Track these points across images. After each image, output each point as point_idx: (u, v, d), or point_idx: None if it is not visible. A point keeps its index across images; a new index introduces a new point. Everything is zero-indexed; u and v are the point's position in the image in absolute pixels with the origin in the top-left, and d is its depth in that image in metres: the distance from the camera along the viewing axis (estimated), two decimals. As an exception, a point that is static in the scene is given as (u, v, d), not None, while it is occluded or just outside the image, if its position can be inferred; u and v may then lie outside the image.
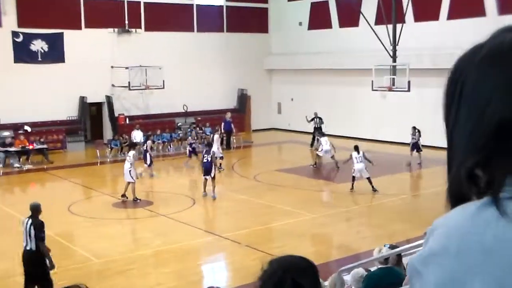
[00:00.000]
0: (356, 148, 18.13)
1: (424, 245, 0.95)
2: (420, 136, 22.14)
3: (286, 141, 29.99)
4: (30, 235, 9.42)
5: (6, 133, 24.95)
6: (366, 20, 25.24)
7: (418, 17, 25.95)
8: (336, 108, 29.43)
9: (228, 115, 28.06)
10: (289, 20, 32.70)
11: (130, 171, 17.27)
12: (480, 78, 0.92)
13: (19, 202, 16.57)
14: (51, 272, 9.67)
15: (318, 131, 25.09)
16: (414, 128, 22.34)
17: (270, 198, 17.55)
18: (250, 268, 10.00)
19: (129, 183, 17.33)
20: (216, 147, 21.14)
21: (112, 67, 28.16)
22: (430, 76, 22.80)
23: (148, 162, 20.80)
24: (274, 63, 33.50)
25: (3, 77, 25.45)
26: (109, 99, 28.30)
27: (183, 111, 29.98)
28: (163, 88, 27.93)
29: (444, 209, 0.96)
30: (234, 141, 28.04)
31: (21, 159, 23.79)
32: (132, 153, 18.01)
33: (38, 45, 26.63)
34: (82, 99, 27.62)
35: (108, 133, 28.24)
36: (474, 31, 16.12)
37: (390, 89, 24.05)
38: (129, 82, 27.56)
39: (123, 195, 17.43)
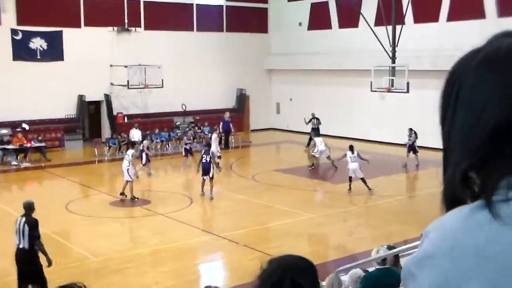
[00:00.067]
0: (351, 148, 18.22)
1: (418, 248, 0.95)
2: (416, 138, 22.11)
3: (284, 141, 29.98)
4: (23, 234, 9.38)
5: (4, 131, 24.92)
6: (366, 21, 25.24)
7: (417, 19, 25.94)
8: (334, 109, 29.43)
9: (227, 114, 28.04)
10: (289, 20, 32.69)
11: (128, 170, 17.30)
12: (477, 82, 0.93)
13: (16, 200, 16.44)
14: (49, 268, 9.66)
15: (314, 132, 24.99)
16: (410, 129, 22.31)
17: (268, 198, 17.56)
18: (248, 268, 10.02)
19: (127, 181, 17.35)
20: (214, 147, 21.16)
21: (111, 65, 28.13)
22: (429, 78, 22.75)
23: (144, 161, 20.77)
24: (273, 63, 33.49)
25: (2, 75, 25.40)
26: (107, 97, 28.27)
27: (182, 110, 29.97)
28: (162, 87, 27.88)
29: (439, 211, 0.97)
30: (233, 140, 28.02)
31: (19, 157, 23.73)
32: (131, 152, 18.06)
33: (37, 43, 26.58)
34: (81, 97, 27.59)
35: (106, 131, 28.18)
36: (473, 33, 16.12)
37: (389, 90, 24.06)
38: (128, 81, 27.53)
39: (122, 193, 17.44)
